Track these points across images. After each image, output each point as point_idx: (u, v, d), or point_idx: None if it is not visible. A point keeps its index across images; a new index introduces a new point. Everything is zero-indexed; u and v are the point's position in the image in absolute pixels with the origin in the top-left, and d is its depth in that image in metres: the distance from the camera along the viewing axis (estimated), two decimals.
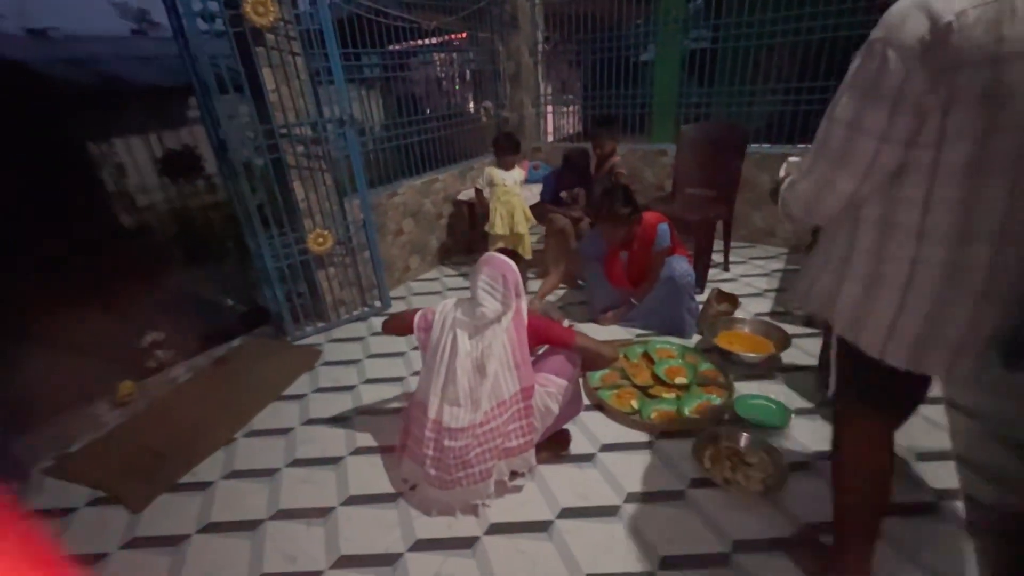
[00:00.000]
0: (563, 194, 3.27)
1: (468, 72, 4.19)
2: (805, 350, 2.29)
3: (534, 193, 3.46)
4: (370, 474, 1.79)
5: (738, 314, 2.55)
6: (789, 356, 2.23)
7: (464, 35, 3.96)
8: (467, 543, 1.50)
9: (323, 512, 1.64)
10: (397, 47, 3.47)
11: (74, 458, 1.98)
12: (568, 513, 1.57)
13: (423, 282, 3.53)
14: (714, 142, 3.07)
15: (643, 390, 2.08)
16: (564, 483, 1.68)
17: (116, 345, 3.08)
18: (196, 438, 2.02)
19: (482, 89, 4.17)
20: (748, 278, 3.12)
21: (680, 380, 2.07)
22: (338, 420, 2.11)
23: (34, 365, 2.91)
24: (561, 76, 4.67)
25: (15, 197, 4.73)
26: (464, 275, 3.58)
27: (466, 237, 3.86)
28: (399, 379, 2.36)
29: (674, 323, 2.49)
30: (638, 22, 3.86)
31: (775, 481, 1.57)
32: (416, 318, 1.68)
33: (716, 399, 1.98)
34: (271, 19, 2.23)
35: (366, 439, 1.97)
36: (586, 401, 2.06)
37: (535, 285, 2.86)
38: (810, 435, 1.80)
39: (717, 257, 3.18)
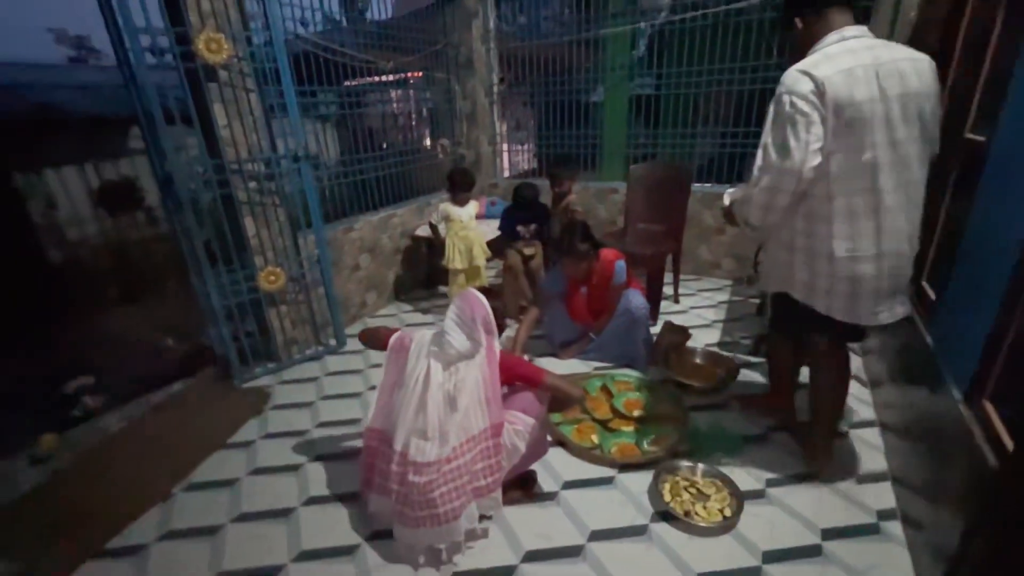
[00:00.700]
0: (520, 229, 3.34)
1: (425, 109, 4.28)
2: (752, 378, 2.41)
3: (493, 228, 3.51)
4: (325, 525, 1.70)
5: (689, 345, 2.64)
6: (739, 385, 2.33)
7: (420, 74, 4.05)
8: None
9: (273, 572, 1.53)
10: (354, 83, 3.50)
11: None
12: (532, 556, 1.54)
13: (380, 318, 3.46)
14: (661, 181, 3.25)
15: (603, 424, 2.10)
16: (528, 524, 1.65)
17: (37, 392, 2.80)
18: (128, 495, 1.85)
19: (439, 126, 4.25)
20: (697, 309, 3.27)
21: (638, 412, 2.11)
22: (289, 468, 1.99)
23: None
24: (516, 115, 4.84)
25: None
26: (422, 311, 3.55)
27: (424, 272, 3.84)
28: (355, 421, 2.27)
29: (631, 355, 2.56)
30: (587, 66, 4.08)
31: (732, 511, 1.61)
32: (392, 339, 1.66)
33: (672, 430, 2.02)
34: (224, 56, 2.20)
35: (320, 487, 1.87)
36: (548, 437, 2.06)
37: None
38: (762, 461, 1.87)
39: (667, 290, 3.32)
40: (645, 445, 1.95)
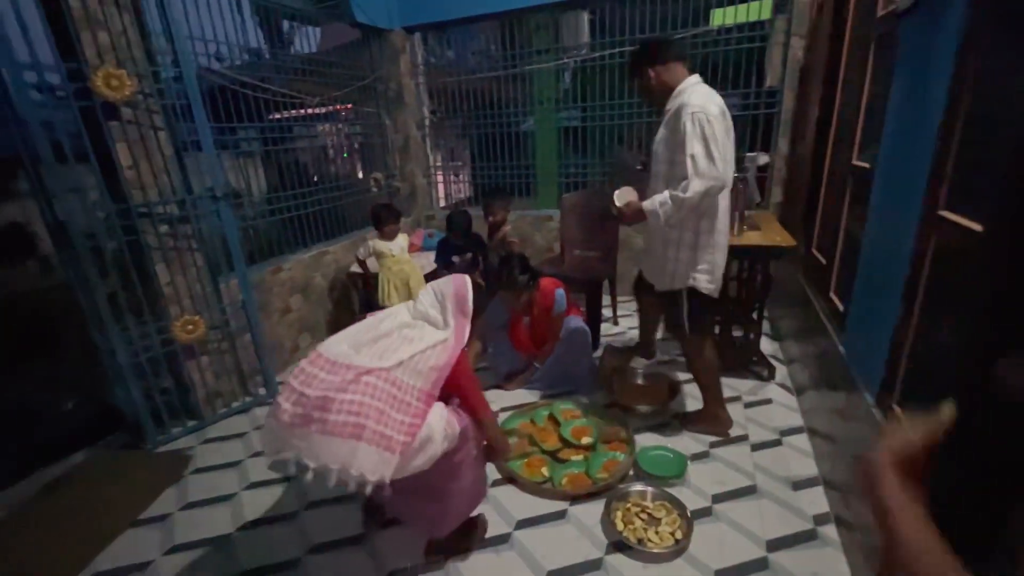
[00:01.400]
0: (455, 259, 3.32)
1: (356, 143, 4.20)
2: (694, 396, 2.49)
3: (431, 260, 3.46)
4: None
5: (631, 366, 2.71)
6: (680, 403, 2.40)
7: (350, 107, 3.99)
8: None
9: None
10: (280, 116, 3.38)
11: None
12: None
13: None
14: (592, 208, 3.37)
15: (552, 455, 2.08)
16: (481, 572, 1.58)
17: None
18: None
19: (371, 160, 4.19)
20: (636, 330, 3.36)
21: (586, 440, 2.12)
22: (213, 541, 1.79)
23: None
24: (450, 145, 4.87)
25: None
26: None
27: (362, 310, 3.70)
28: (290, 479, 2.10)
29: (576, 381, 2.58)
30: (518, 99, 4.21)
31: (683, 533, 1.63)
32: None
33: (620, 455, 2.04)
34: (127, 93, 2.05)
35: (251, 558, 1.70)
36: (497, 475, 2.01)
37: None
38: (707, 479, 1.92)
39: (606, 312, 3.40)
40: (595, 473, 1.95)
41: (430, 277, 3.24)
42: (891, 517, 0.40)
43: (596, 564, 1.58)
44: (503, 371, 2.72)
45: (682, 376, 2.62)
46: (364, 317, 1.58)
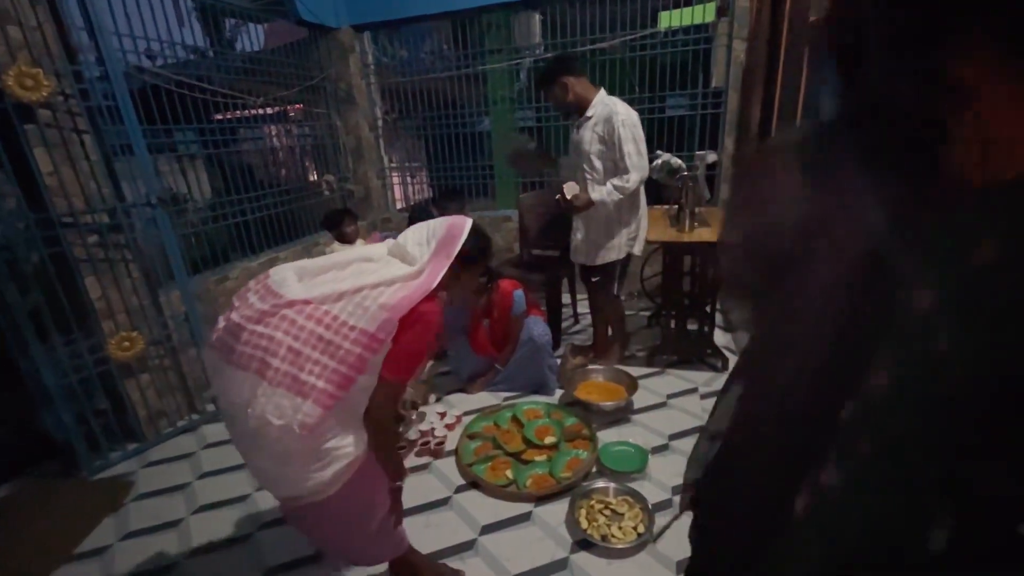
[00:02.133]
0: None
1: (307, 145, 4.05)
2: (652, 390, 2.55)
3: None
4: None
5: (592, 364, 2.74)
6: (639, 398, 2.45)
7: (299, 107, 3.85)
8: None
9: None
10: (224, 117, 3.22)
11: None
12: None
13: None
14: (549, 207, 3.39)
15: (516, 456, 2.08)
16: None
17: None
18: None
19: (323, 162, 4.05)
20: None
21: (549, 439, 2.12)
22: (158, 571, 1.68)
23: None
24: (406, 146, 4.78)
25: None
26: None
27: None
28: (243, 498, 2.00)
29: (538, 382, 2.58)
30: (474, 98, 4.17)
31: (646, 527, 1.66)
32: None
33: (583, 453, 2.06)
34: (44, 94, 1.89)
35: None
36: (461, 480, 1.99)
37: None
38: (667, 472, 1.97)
39: (566, 311, 3.43)
40: (559, 472, 1.96)
41: None
42: None
43: (562, 564, 1.59)
44: (465, 374, 2.69)
45: (638, 372, 2.67)
46: None
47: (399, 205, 4.66)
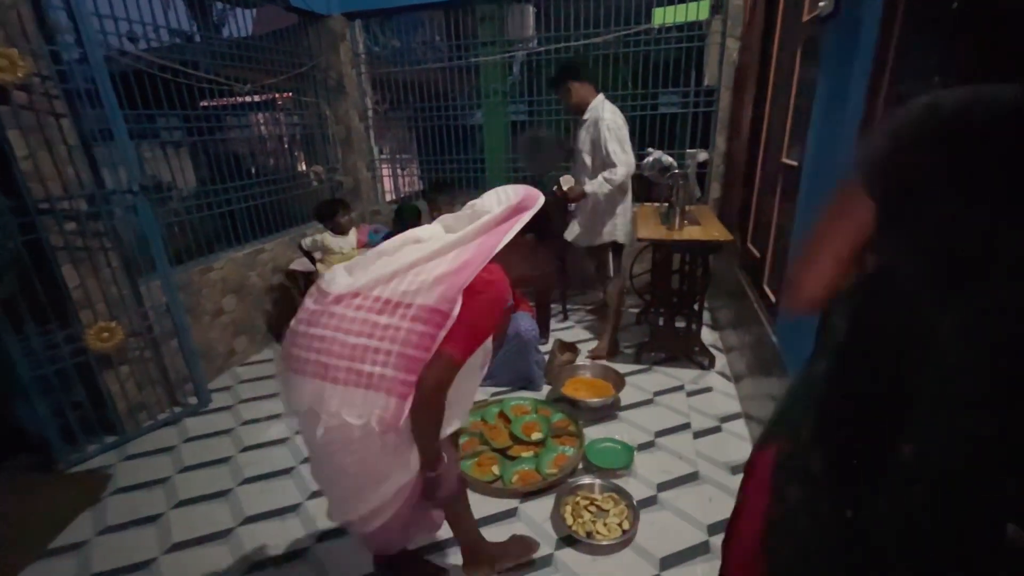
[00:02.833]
0: None
1: (296, 134, 3.98)
2: (639, 387, 2.56)
3: None
4: None
5: (579, 361, 2.74)
6: (626, 395, 2.46)
7: (288, 95, 3.78)
8: None
9: None
10: (210, 103, 3.14)
11: None
12: None
13: (254, 366, 3.09)
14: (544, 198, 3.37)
15: (502, 452, 2.07)
16: None
17: None
18: None
19: (312, 152, 3.99)
20: (586, 323, 3.41)
21: (536, 436, 2.12)
22: (137, 567, 1.65)
23: None
24: (397, 137, 4.73)
25: None
26: None
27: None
28: (225, 492, 1.97)
29: (526, 377, 2.57)
30: (466, 90, 4.13)
31: (630, 523, 1.66)
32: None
33: (570, 450, 2.06)
34: (20, 75, 1.82)
35: None
36: None
37: None
38: (653, 468, 1.98)
39: (555, 307, 3.43)
40: (545, 469, 1.95)
41: None
42: None
43: (547, 561, 1.59)
44: None
45: (625, 369, 2.68)
46: None
47: (389, 197, 4.61)
